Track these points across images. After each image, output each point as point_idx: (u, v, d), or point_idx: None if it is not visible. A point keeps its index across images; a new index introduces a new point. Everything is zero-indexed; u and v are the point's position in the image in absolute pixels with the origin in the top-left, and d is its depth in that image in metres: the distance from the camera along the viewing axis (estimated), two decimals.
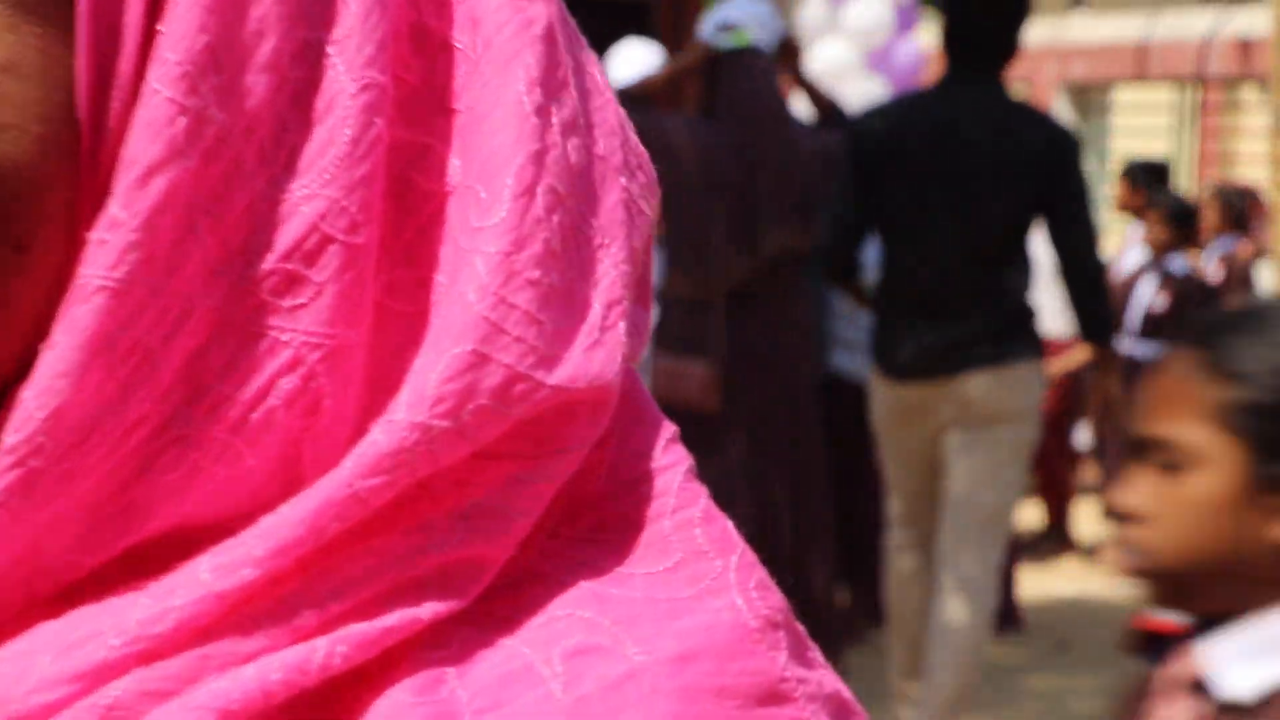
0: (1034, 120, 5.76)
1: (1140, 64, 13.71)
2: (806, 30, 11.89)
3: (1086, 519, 9.68)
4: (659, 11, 16.11)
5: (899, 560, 5.82)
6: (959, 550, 5.59)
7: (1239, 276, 11.31)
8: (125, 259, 0.61)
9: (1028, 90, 14.16)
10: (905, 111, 5.89)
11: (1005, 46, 5.72)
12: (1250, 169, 14.35)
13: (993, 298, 5.61)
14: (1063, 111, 13.99)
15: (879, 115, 5.94)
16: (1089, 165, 13.30)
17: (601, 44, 13.85)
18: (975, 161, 5.60)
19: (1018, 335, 5.59)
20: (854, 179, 5.75)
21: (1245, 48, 13.05)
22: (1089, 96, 14.25)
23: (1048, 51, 14.09)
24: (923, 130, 5.67)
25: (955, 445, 5.61)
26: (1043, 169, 5.62)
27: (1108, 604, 7.96)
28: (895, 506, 5.84)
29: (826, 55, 11.36)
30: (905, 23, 11.25)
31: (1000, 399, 5.43)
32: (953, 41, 5.77)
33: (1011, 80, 6.17)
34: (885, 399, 5.75)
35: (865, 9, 11.03)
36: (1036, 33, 14.44)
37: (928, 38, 13.24)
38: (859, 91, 11.07)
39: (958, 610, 5.60)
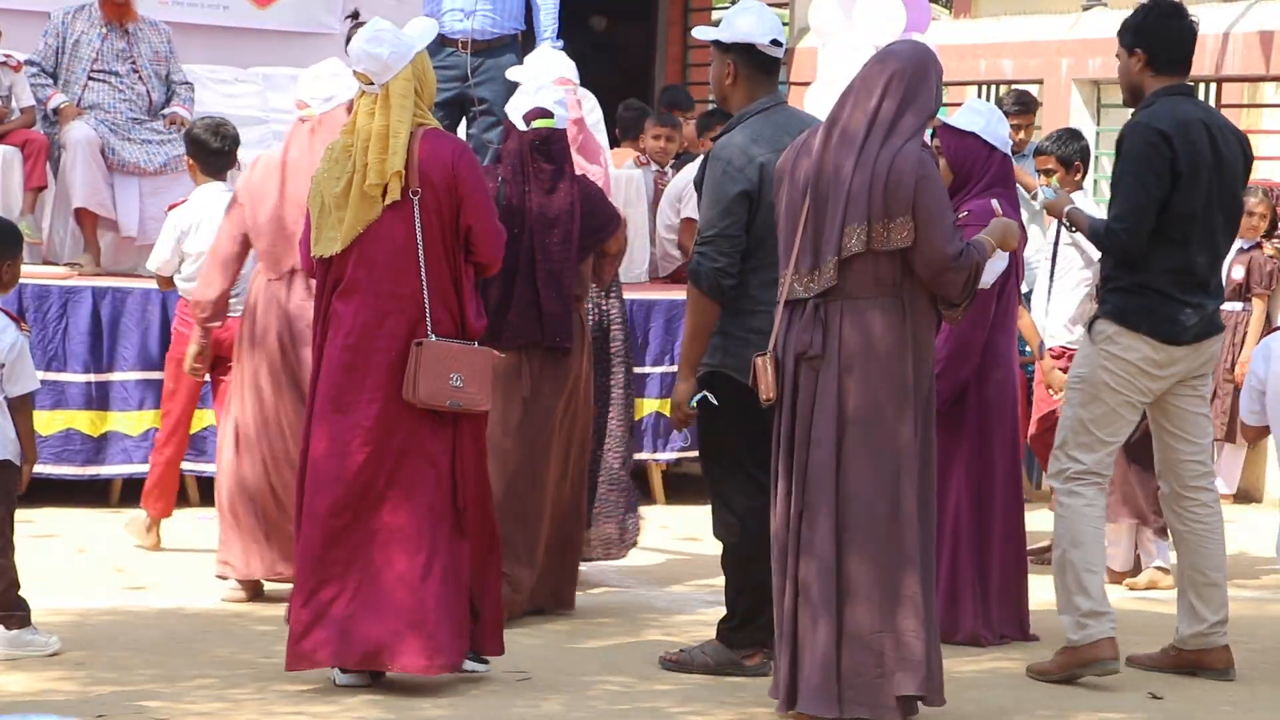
0: (1234, 126, 7.32)
1: None
2: (818, 29, 11.76)
3: None
4: (668, 1, 15.97)
5: (1099, 500, 7.15)
6: (1206, 473, 7.26)
7: (1258, 277, 11.16)
8: None
9: (1043, 88, 14.00)
10: (1187, 119, 7.03)
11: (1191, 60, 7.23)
12: (1269, 168, 14.17)
13: (1220, 274, 7.34)
14: (1079, 109, 13.81)
15: (1178, 122, 7.00)
16: (1107, 165, 13.12)
17: (612, 30, 13.75)
18: (1234, 162, 7.12)
19: None
20: (1161, 178, 6.94)
21: (1265, 45, 12.86)
22: (1106, 94, 14.06)
23: (1063, 48, 13.91)
24: (1205, 136, 7.02)
25: (1183, 393, 7.14)
26: (1248, 167, 7.27)
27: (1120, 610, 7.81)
28: (1088, 457, 7.12)
29: (839, 52, 11.23)
30: (917, 20, 11.12)
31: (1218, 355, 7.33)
32: (1170, 54, 7.12)
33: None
34: (1147, 359, 7.04)
35: (877, 6, 10.90)
36: (1052, 29, 14.27)
37: (938, 34, 13.07)
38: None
39: (1213, 509, 7.27)
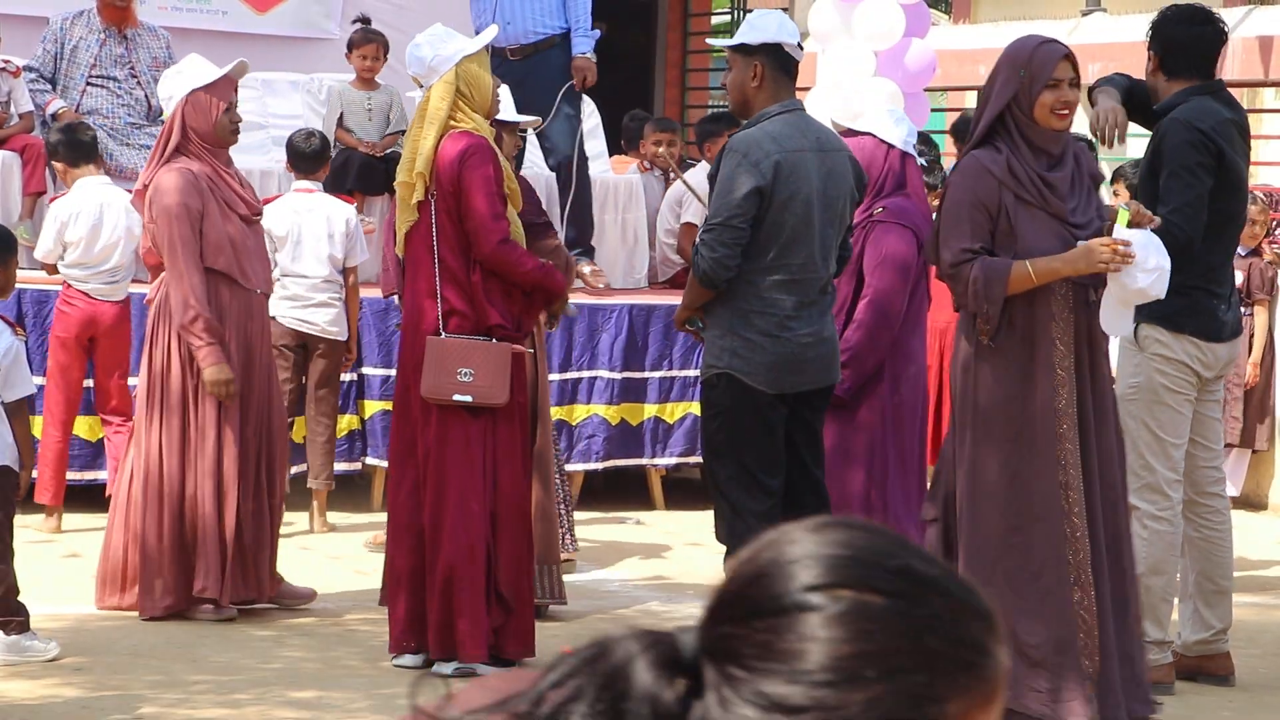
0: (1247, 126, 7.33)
1: None
2: (817, 34, 11.74)
3: None
4: (668, 7, 15.95)
5: (1177, 524, 7.08)
6: (1220, 480, 7.36)
7: (1259, 283, 11.16)
8: None
9: None
10: (1220, 119, 7.07)
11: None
12: (1270, 173, 14.18)
13: None
14: (1078, 114, 13.79)
15: (1215, 121, 7.03)
16: (1106, 169, 13.11)
17: (610, 38, 13.72)
18: (1246, 162, 7.22)
19: None
20: (1208, 171, 6.96)
21: (1265, 49, 12.86)
22: None
23: None
24: (1235, 135, 7.10)
25: (1204, 397, 7.17)
26: (1247, 167, 7.35)
27: None
28: (1161, 464, 7.04)
29: (838, 57, 11.22)
30: (916, 26, 11.10)
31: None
32: (1184, 59, 7.13)
33: None
34: (1195, 358, 7.08)
35: (876, 11, 10.88)
36: (1051, 34, 14.25)
37: (938, 40, 13.06)
38: (872, 93, 10.90)
39: (1226, 517, 7.30)
